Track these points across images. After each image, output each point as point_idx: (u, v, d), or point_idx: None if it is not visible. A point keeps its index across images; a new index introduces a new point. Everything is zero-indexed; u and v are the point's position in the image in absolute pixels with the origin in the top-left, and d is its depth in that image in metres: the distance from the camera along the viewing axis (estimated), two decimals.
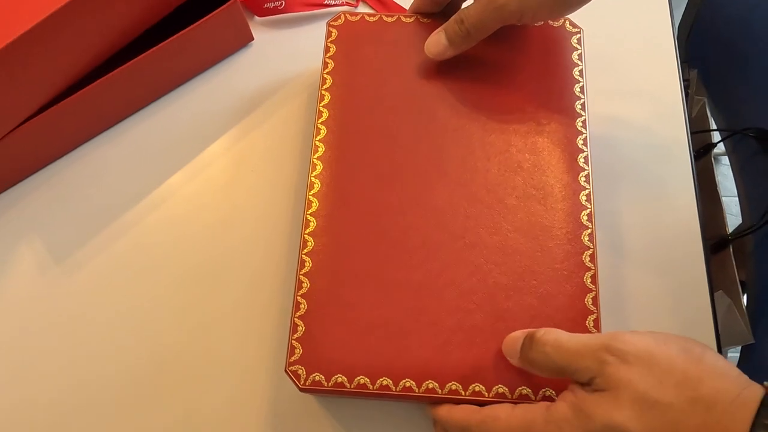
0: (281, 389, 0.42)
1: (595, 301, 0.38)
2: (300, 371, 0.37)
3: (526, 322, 0.38)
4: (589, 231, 0.40)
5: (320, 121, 0.43)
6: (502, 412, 0.34)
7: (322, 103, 0.44)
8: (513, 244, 0.39)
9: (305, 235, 0.40)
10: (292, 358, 0.37)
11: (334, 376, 0.37)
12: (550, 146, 0.42)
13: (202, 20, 0.46)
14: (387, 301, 0.38)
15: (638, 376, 0.30)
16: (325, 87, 0.44)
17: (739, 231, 0.59)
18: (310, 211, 0.41)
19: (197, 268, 0.45)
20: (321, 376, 0.37)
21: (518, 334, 0.36)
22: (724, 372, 0.30)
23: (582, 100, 0.43)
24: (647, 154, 0.48)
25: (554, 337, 0.34)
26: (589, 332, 0.37)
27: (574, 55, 0.45)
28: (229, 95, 0.51)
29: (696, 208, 0.46)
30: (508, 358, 0.36)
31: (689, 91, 0.68)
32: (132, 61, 0.45)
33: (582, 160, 0.41)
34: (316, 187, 0.41)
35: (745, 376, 0.30)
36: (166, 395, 0.42)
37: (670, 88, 0.50)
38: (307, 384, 0.37)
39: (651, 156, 0.48)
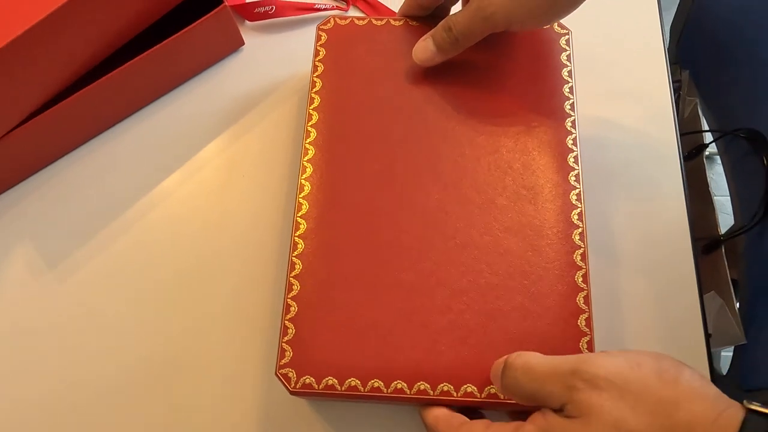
0: (272, 392, 0.42)
1: (587, 300, 0.38)
2: (290, 374, 0.37)
3: (517, 321, 0.37)
4: (580, 230, 0.39)
5: (310, 124, 0.43)
6: (477, 429, 0.34)
7: (312, 106, 0.44)
8: (504, 244, 0.39)
9: (295, 238, 0.40)
10: (283, 361, 0.37)
11: (324, 378, 0.37)
12: (539, 146, 0.42)
13: (191, 25, 0.46)
14: (378, 303, 0.38)
15: (609, 402, 0.29)
16: (315, 90, 0.44)
17: (731, 231, 0.59)
18: (300, 214, 0.41)
19: (189, 271, 0.45)
20: (311, 378, 0.37)
21: (501, 360, 0.34)
22: (701, 393, 0.28)
23: (571, 101, 0.43)
24: (637, 154, 0.48)
25: (524, 360, 0.32)
26: (582, 332, 0.37)
27: (563, 56, 0.45)
28: (220, 99, 0.51)
29: (685, 208, 0.46)
30: (495, 386, 0.35)
31: (681, 92, 0.68)
32: (124, 65, 0.45)
33: (572, 159, 0.41)
34: (306, 189, 0.41)
35: (725, 396, 0.29)
36: (156, 398, 0.42)
37: (659, 89, 0.50)
38: (297, 387, 0.37)
39: (641, 156, 0.48)
